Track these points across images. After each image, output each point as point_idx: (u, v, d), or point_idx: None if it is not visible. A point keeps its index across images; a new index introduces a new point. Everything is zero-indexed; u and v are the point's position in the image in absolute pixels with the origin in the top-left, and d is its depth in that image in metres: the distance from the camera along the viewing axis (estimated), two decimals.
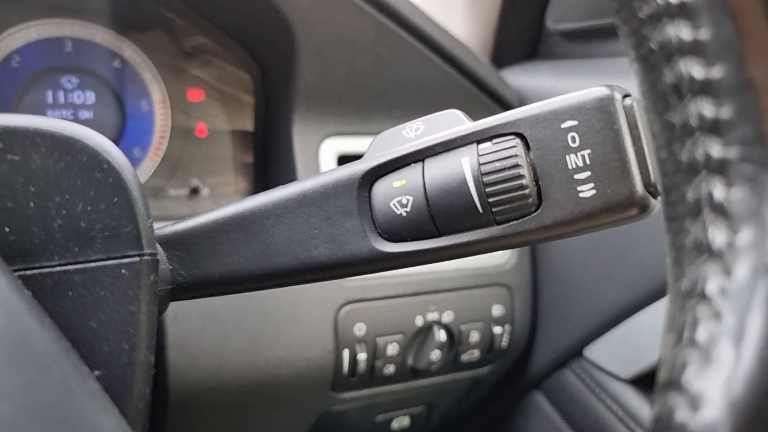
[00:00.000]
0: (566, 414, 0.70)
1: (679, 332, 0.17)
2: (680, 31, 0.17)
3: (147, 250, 0.29)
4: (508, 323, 0.71)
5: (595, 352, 0.66)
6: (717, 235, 0.17)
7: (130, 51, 0.70)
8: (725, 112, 0.17)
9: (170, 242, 0.33)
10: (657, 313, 0.59)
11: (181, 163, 0.72)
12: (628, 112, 0.28)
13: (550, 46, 0.82)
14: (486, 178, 0.30)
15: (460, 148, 0.31)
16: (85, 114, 0.69)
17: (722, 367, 0.15)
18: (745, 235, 0.16)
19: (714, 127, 0.17)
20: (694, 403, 0.15)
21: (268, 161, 0.72)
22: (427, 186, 0.31)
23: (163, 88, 0.71)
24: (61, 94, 0.68)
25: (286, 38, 0.62)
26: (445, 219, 0.31)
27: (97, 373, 0.26)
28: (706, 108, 0.17)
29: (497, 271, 0.70)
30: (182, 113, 0.71)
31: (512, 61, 0.84)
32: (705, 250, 0.17)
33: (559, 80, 0.72)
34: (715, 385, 0.15)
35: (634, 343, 0.61)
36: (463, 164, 0.30)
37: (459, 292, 0.68)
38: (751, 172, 0.16)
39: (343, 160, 0.66)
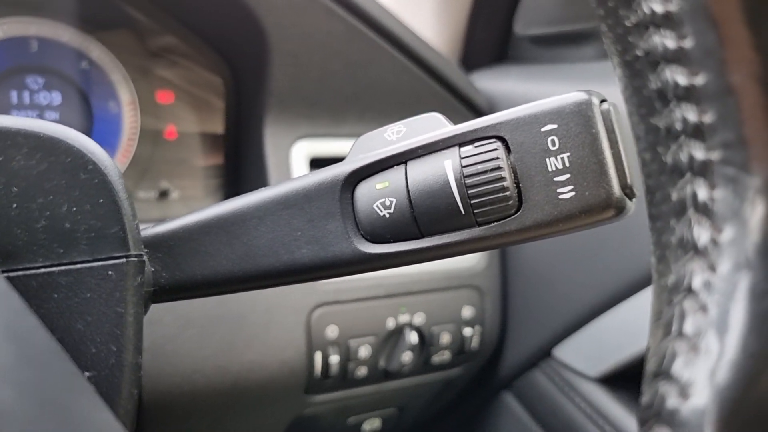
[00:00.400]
0: (536, 414, 0.71)
1: (667, 325, 0.18)
2: (665, 40, 0.18)
3: (133, 252, 0.29)
4: (478, 325, 0.72)
5: (564, 352, 0.68)
6: (701, 233, 0.18)
7: (98, 51, 0.69)
8: (708, 117, 0.18)
9: (152, 244, 0.33)
10: (624, 313, 0.60)
11: (151, 165, 0.71)
12: (605, 117, 0.29)
13: (518, 50, 0.84)
14: (468, 180, 0.30)
15: (443, 151, 0.32)
16: (51, 115, 0.68)
17: (709, 356, 0.16)
18: (728, 233, 0.17)
19: (697, 132, 0.18)
20: (684, 391, 0.16)
21: (239, 163, 0.71)
22: (410, 188, 0.32)
23: (131, 89, 0.70)
24: (26, 95, 0.67)
25: (259, 41, 0.62)
26: (427, 220, 0.31)
27: (87, 374, 0.26)
28: (689, 113, 0.18)
29: (467, 273, 0.71)
30: (151, 115, 0.71)
31: (481, 64, 0.85)
32: (690, 247, 0.18)
33: (528, 84, 0.73)
34: (703, 373, 0.16)
35: (601, 342, 0.63)
36: (446, 166, 0.31)
37: (430, 294, 0.69)
38: (732, 173, 0.17)
39: (315, 162, 0.67)
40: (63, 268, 0.28)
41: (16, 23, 0.65)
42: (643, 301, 0.58)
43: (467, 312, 0.71)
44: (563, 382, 0.66)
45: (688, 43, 0.18)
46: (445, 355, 0.71)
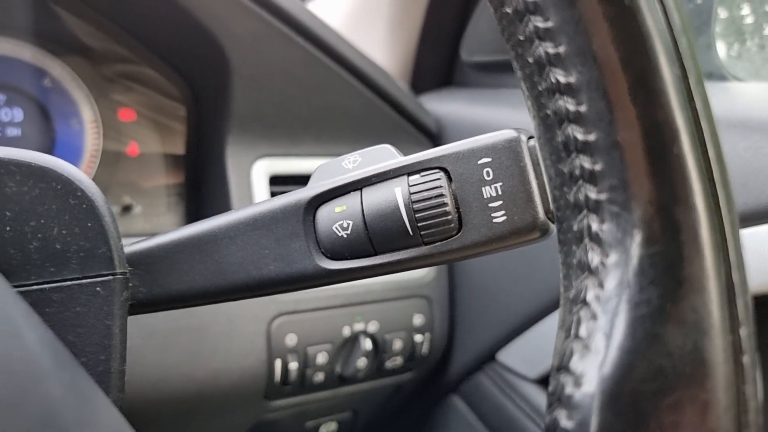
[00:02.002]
0: (481, 414, 0.76)
1: (568, 329, 0.22)
2: (567, 104, 0.23)
3: (119, 270, 0.32)
4: (428, 331, 0.76)
5: (507, 356, 0.72)
6: (594, 257, 0.22)
7: (60, 69, 0.70)
8: (598, 166, 0.22)
9: (131, 261, 0.36)
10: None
11: (113, 181, 0.73)
12: (532, 152, 0.33)
13: (463, 75, 0.89)
14: (415, 206, 0.34)
15: (394, 179, 0.36)
16: (13, 131, 0.69)
17: (597, 354, 0.21)
18: (612, 258, 0.22)
19: (591, 177, 0.23)
20: (578, 381, 0.21)
21: (201, 180, 0.74)
22: (365, 211, 0.35)
23: (94, 107, 0.71)
24: None
25: (221, 66, 0.65)
26: (380, 240, 0.35)
27: None
28: (585, 162, 0.23)
29: (418, 283, 0.75)
30: (113, 132, 0.72)
31: (429, 87, 0.90)
32: (586, 268, 0.23)
33: (472, 107, 0.78)
34: (592, 367, 0.21)
35: (540, 346, 0.68)
36: (396, 193, 0.35)
37: (383, 304, 0.73)
38: (616, 211, 0.22)
39: (275, 179, 0.70)
40: (55, 285, 0.31)
41: None
42: None
43: (418, 320, 0.75)
44: (505, 384, 0.71)
45: (583, 108, 0.23)
46: (397, 361, 0.74)
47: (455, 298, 0.78)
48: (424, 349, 0.76)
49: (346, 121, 0.72)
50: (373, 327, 0.72)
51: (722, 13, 0.73)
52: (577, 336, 0.22)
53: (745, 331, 0.21)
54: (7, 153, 0.32)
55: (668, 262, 0.21)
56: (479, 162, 0.34)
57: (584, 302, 0.22)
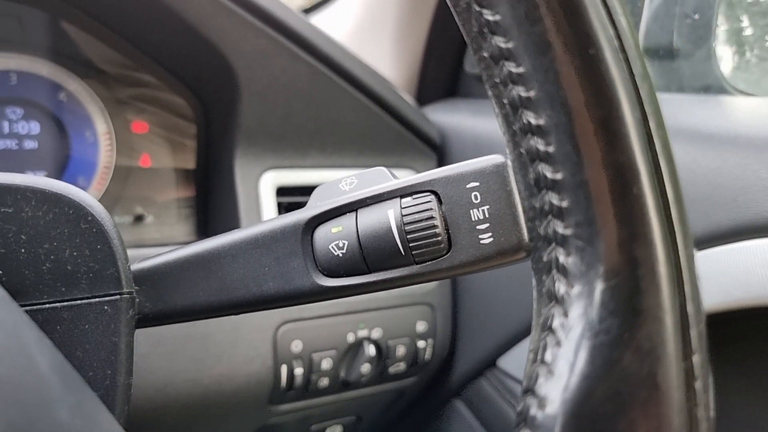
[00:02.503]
0: (483, 419, 0.78)
1: (535, 353, 0.24)
2: (538, 145, 0.25)
3: (126, 289, 0.34)
4: (430, 338, 0.77)
5: (507, 362, 0.74)
6: (560, 287, 0.24)
7: (75, 85, 0.73)
8: (565, 204, 0.24)
9: (138, 278, 0.38)
10: None
11: (125, 192, 0.75)
12: None
13: (467, 86, 0.90)
14: (407, 227, 0.36)
15: (387, 201, 0.37)
16: (30, 144, 0.71)
17: (560, 378, 0.23)
18: (576, 289, 0.24)
19: (559, 213, 0.24)
20: (542, 403, 0.23)
21: (211, 191, 0.76)
22: (359, 232, 0.37)
23: (108, 120, 0.74)
24: (5, 125, 0.70)
25: (230, 82, 0.67)
26: (374, 259, 0.37)
27: None
28: (554, 199, 0.25)
29: (421, 291, 0.77)
30: (126, 144, 0.75)
31: (434, 98, 0.92)
32: (553, 297, 0.24)
33: (475, 118, 0.80)
34: (555, 390, 0.23)
35: None
36: (389, 215, 0.37)
37: (386, 311, 0.74)
38: (581, 245, 0.24)
39: (282, 190, 0.72)
40: (65, 303, 0.33)
41: None
42: None
43: (421, 326, 0.77)
44: (505, 389, 0.73)
45: (552, 149, 0.24)
46: (400, 366, 0.76)
47: (458, 306, 0.80)
48: (427, 354, 0.77)
49: (351, 133, 0.74)
50: (376, 333, 0.73)
51: (722, 26, 0.74)
52: (542, 361, 0.24)
53: (698, 359, 0.23)
54: (23, 180, 0.34)
55: (627, 294, 0.23)
56: (468, 186, 0.36)
57: (550, 329, 0.24)
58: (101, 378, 0.33)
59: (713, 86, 0.72)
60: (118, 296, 0.34)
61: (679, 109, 0.60)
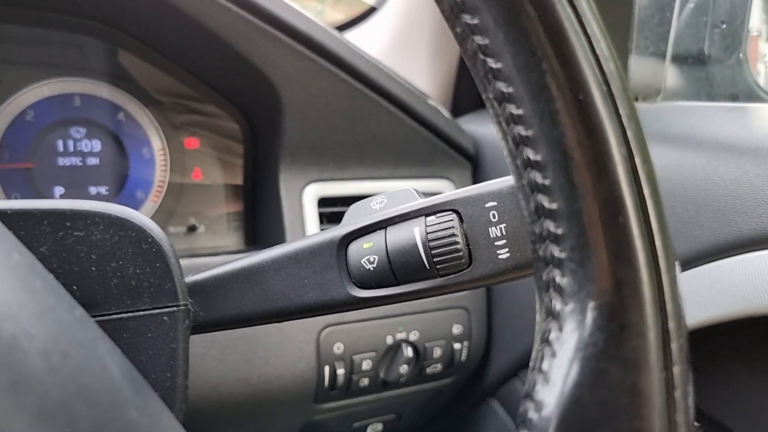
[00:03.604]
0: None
1: (534, 362, 0.27)
2: (536, 177, 0.28)
3: (182, 302, 0.39)
4: (466, 340, 0.80)
5: None
6: (556, 304, 0.27)
7: (132, 105, 0.78)
8: (560, 230, 0.27)
9: (191, 290, 0.43)
10: None
11: (179, 204, 0.80)
12: None
13: None
14: (431, 243, 0.39)
15: (413, 220, 0.41)
16: (93, 161, 0.77)
17: (555, 385, 0.26)
18: (570, 306, 0.27)
19: (555, 238, 0.28)
20: (538, 407, 0.26)
21: (257, 203, 0.81)
22: (388, 248, 0.41)
23: (162, 137, 0.79)
24: (70, 143, 0.76)
25: (274, 102, 0.71)
26: (402, 272, 0.40)
27: None
28: (550, 226, 0.28)
29: (457, 295, 0.80)
30: (180, 160, 0.80)
31: (468, 109, 0.94)
32: (550, 313, 0.28)
33: None
34: (550, 396, 0.26)
35: None
36: (415, 232, 0.40)
37: (424, 314, 0.77)
38: (574, 267, 0.27)
39: (323, 201, 0.76)
40: (130, 315, 0.38)
41: (61, 82, 0.75)
42: None
43: (456, 329, 0.80)
44: None
45: (548, 182, 0.28)
46: (437, 367, 0.79)
47: (492, 310, 0.82)
48: (463, 356, 0.80)
49: (389, 146, 0.77)
50: (414, 336, 0.76)
51: (754, 32, 0.75)
52: (540, 369, 0.27)
53: (678, 369, 0.26)
54: (92, 206, 0.39)
55: (613, 312, 0.26)
56: (486, 205, 0.39)
57: (547, 341, 0.27)
58: (162, 380, 0.37)
59: (743, 93, 0.73)
60: (175, 308, 0.38)
61: (703, 120, 0.61)
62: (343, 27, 1.00)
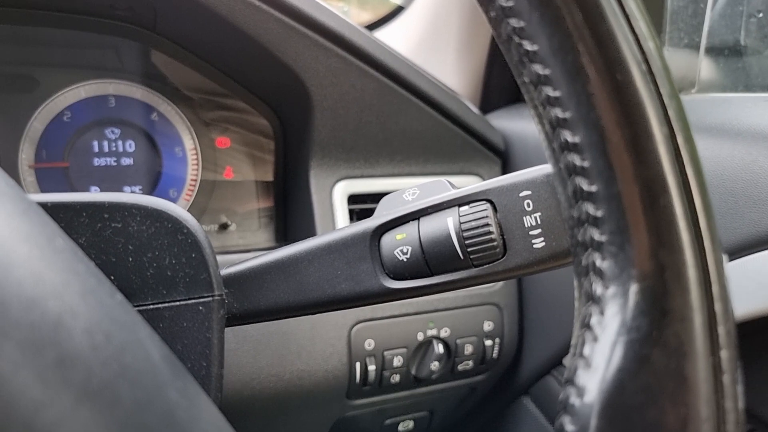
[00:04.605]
0: (550, 416, 0.79)
1: (575, 348, 0.27)
2: (575, 160, 0.28)
3: (217, 292, 0.39)
4: (498, 337, 0.80)
5: None
6: (597, 288, 0.27)
7: (165, 105, 0.79)
8: (600, 213, 0.27)
9: (226, 282, 0.43)
10: None
11: (211, 202, 0.81)
12: None
13: None
14: (465, 233, 0.39)
15: (446, 210, 0.41)
16: (127, 160, 0.79)
17: (596, 371, 0.26)
18: (611, 290, 0.26)
19: (594, 221, 0.27)
20: (580, 392, 0.26)
21: (288, 200, 0.81)
22: (422, 238, 0.40)
23: (194, 137, 0.80)
24: (105, 144, 0.78)
25: (304, 99, 0.72)
26: (435, 263, 0.40)
27: None
28: (590, 209, 0.27)
29: (488, 291, 0.79)
30: (211, 158, 0.81)
31: (498, 105, 0.94)
32: (590, 297, 0.27)
33: None
34: (592, 381, 0.26)
35: None
36: (449, 223, 0.40)
37: (455, 311, 0.77)
38: (615, 250, 0.26)
39: (353, 198, 0.76)
40: (167, 305, 0.38)
41: (96, 84, 0.77)
42: None
43: (488, 326, 0.79)
44: None
45: (587, 164, 0.27)
46: (468, 364, 0.79)
47: (524, 306, 0.81)
48: (495, 353, 0.80)
49: (418, 142, 0.77)
50: (445, 333, 0.76)
51: None
52: (581, 355, 0.26)
53: (726, 354, 0.25)
54: (129, 198, 0.39)
55: (656, 296, 0.25)
56: (521, 194, 0.39)
57: (588, 326, 0.27)
58: (198, 369, 0.38)
59: None
60: (210, 298, 0.39)
61: (742, 110, 0.60)
62: (371, 27, 1.00)
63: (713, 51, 0.75)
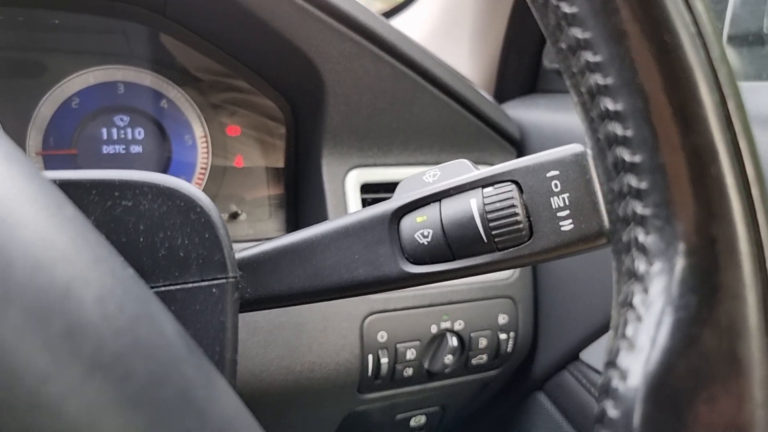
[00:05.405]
0: (565, 412, 0.78)
1: (616, 329, 0.25)
2: (616, 129, 0.26)
3: (231, 274, 0.38)
4: (512, 331, 0.78)
5: (590, 355, 0.74)
6: (640, 265, 0.25)
7: (174, 92, 0.78)
8: (644, 185, 0.25)
9: (240, 266, 0.42)
10: None
11: (221, 191, 0.80)
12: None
13: (546, 81, 0.90)
14: (489, 215, 0.37)
15: (469, 191, 0.39)
16: (136, 148, 0.77)
17: (641, 352, 0.24)
18: (657, 266, 0.25)
19: (637, 194, 0.25)
20: (623, 375, 0.24)
21: (300, 189, 0.80)
22: (443, 221, 0.39)
23: (204, 124, 0.79)
24: (114, 131, 0.76)
25: (316, 84, 0.70)
26: (458, 247, 0.39)
27: None
28: (632, 181, 0.26)
29: (502, 284, 0.78)
30: (221, 147, 0.80)
31: (513, 94, 0.92)
32: (633, 275, 0.25)
33: (555, 114, 0.80)
34: (636, 363, 0.24)
35: None
36: (472, 204, 0.38)
37: (469, 304, 0.76)
38: (660, 224, 0.25)
39: (366, 187, 0.75)
40: (179, 287, 0.37)
41: (105, 70, 0.76)
42: None
43: (502, 319, 0.78)
44: (589, 383, 0.73)
45: (630, 133, 0.25)
46: (482, 358, 0.77)
47: (539, 299, 0.80)
48: (509, 347, 0.78)
49: (432, 131, 0.76)
50: (459, 326, 0.75)
51: None
52: (624, 335, 0.25)
53: None
54: (141, 176, 0.38)
55: (705, 272, 0.23)
56: (548, 175, 0.37)
57: (631, 305, 0.25)
58: (211, 353, 0.36)
59: None
60: (224, 280, 0.37)
61: (765, 99, 0.58)
62: (385, 15, 0.98)
63: (736, 39, 0.73)
